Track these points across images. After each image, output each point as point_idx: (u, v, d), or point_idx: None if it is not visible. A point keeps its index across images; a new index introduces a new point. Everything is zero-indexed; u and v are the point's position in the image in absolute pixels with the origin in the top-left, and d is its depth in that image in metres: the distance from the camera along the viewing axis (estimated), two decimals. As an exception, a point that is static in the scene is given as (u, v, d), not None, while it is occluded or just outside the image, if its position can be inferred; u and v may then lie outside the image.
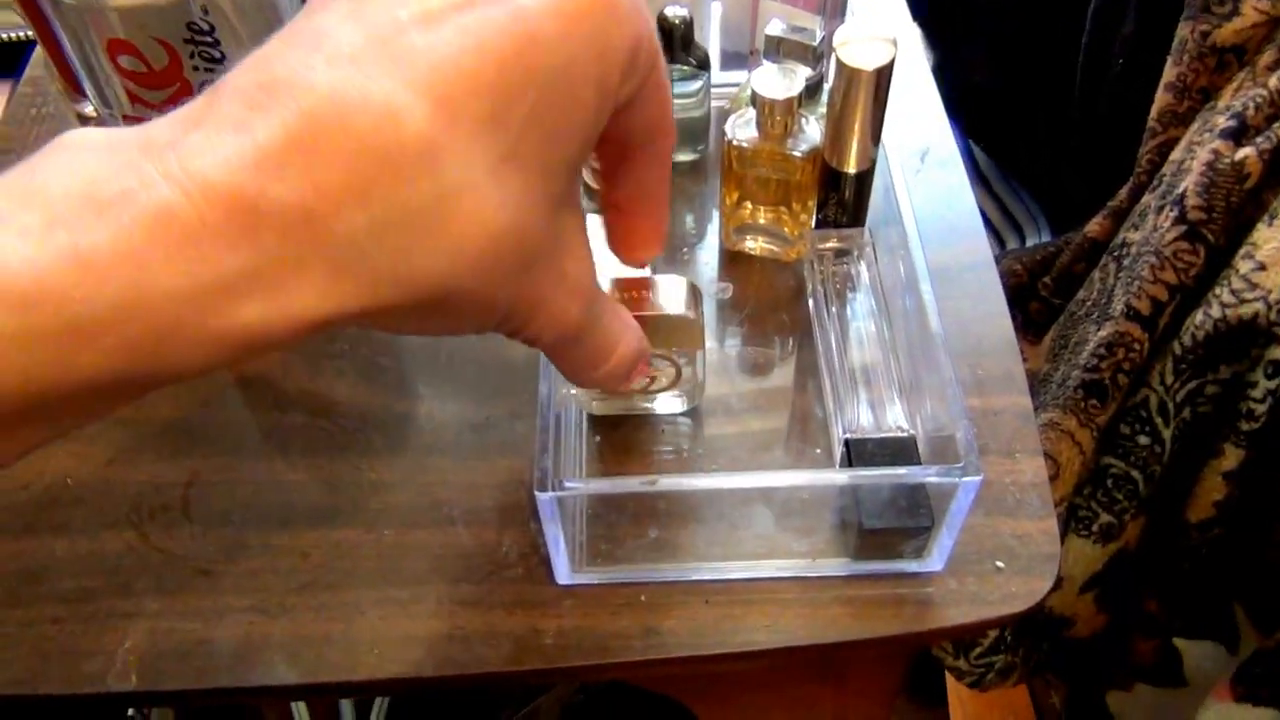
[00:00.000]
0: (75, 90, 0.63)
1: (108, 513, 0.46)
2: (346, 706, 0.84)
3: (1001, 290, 0.54)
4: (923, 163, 0.60)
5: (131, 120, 0.47)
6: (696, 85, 0.56)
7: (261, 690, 0.42)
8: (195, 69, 0.45)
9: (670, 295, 0.44)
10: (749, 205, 0.53)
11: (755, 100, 0.49)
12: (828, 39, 0.53)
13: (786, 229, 0.54)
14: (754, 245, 0.55)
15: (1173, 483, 0.55)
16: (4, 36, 1.00)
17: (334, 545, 0.45)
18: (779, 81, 0.48)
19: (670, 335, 0.45)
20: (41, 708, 0.60)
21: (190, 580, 0.44)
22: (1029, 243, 0.79)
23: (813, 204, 0.53)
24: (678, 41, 0.55)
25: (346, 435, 0.49)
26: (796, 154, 0.50)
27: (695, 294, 0.45)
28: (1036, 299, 0.67)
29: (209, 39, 0.45)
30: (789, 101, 0.48)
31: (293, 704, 0.76)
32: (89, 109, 0.63)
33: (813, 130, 0.50)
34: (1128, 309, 0.54)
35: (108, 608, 0.44)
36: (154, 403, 0.50)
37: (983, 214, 0.87)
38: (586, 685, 0.72)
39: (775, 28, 0.52)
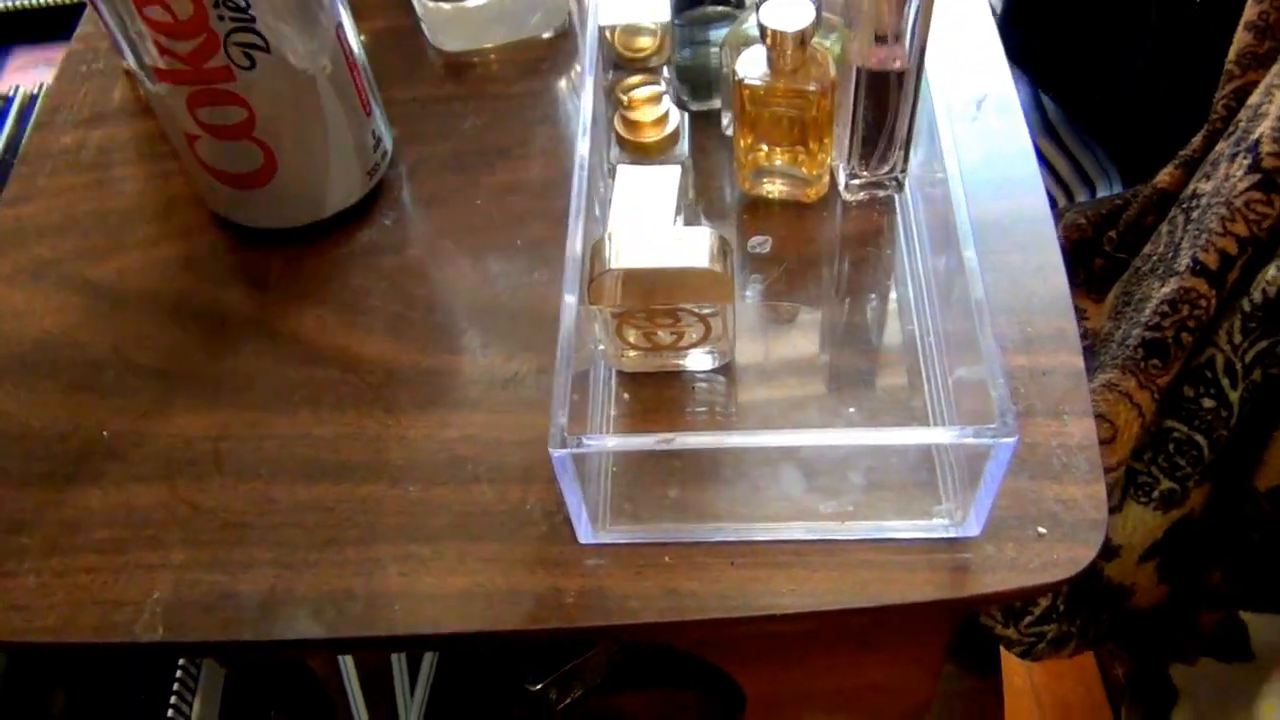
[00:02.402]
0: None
1: (140, 465, 0.47)
2: (397, 660, 0.85)
3: (1057, 243, 0.51)
4: (979, 110, 0.57)
5: (162, 74, 0.47)
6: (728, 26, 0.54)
7: (285, 644, 0.43)
8: (220, 19, 0.45)
9: (696, 248, 0.42)
10: (764, 147, 0.51)
11: (764, 34, 0.46)
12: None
13: (805, 169, 0.52)
14: (772, 189, 0.53)
15: (1240, 448, 0.52)
16: (65, -2, 1.02)
17: (359, 501, 0.45)
18: (788, 13, 0.46)
19: (697, 289, 0.43)
20: (93, 655, 0.62)
21: (218, 534, 0.45)
22: (1099, 192, 0.75)
23: (829, 141, 0.51)
24: (714, -15, 0.53)
25: (373, 390, 0.49)
26: (811, 88, 0.47)
27: (724, 247, 0.43)
28: (1101, 254, 0.64)
29: (232, -12, 0.44)
30: (800, 34, 0.46)
31: (340, 658, 0.77)
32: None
33: (826, 62, 0.47)
34: (1194, 263, 0.51)
35: (137, 559, 0.44)
36: (188, 354, 0.51)
37: (1051, 168, 0.84)
38: (630, 645, 0.71)
39: None
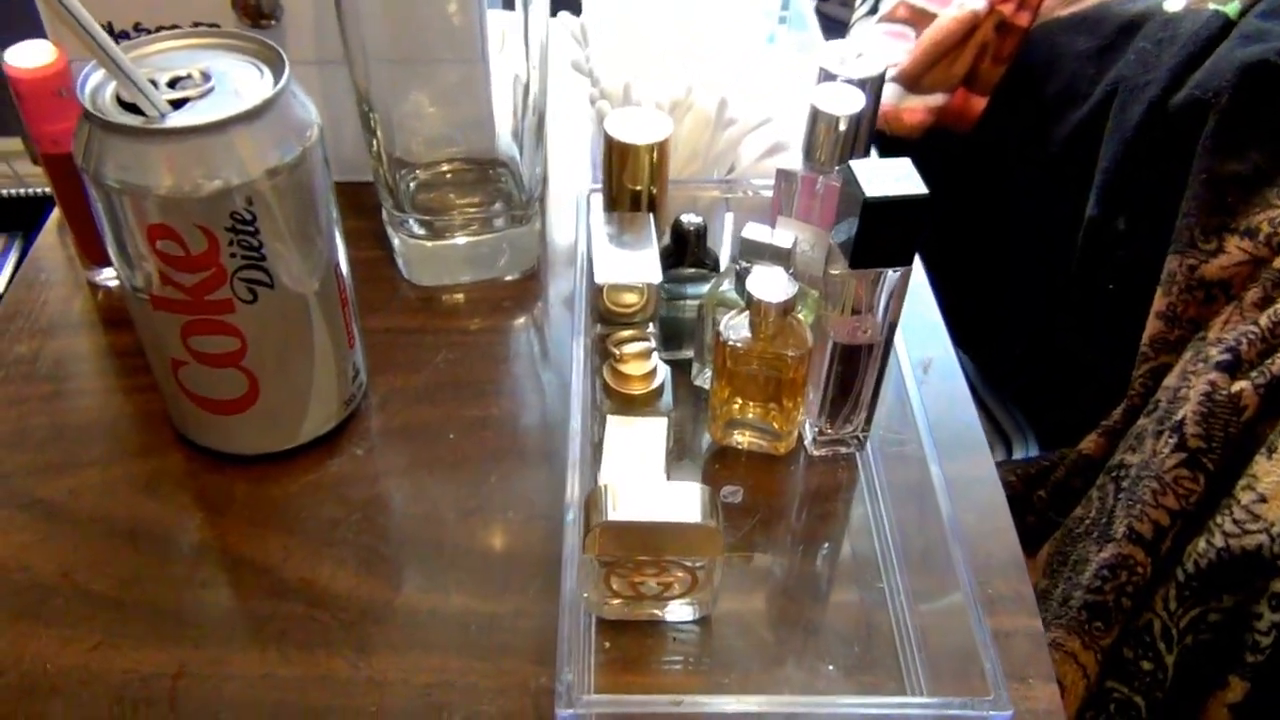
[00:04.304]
0: (93, 261, 0.63)
1: (89, 705, 0.44)
2: None
3: (1007, 507, 0.54)
4: (925, 374, 0.61)
5: (159, 300, 0.47)
6: (705, 287, 0.58)
7: None
8: (233, 255, 0.46)
9: (689, 503, 0.44)
10: (739, 401, 0.54)
11: (750, 302, 0.50)
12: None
13: (776, 424, 0.54)
14: (742, 440, 0.56)
15: (1177, 711, 0.54)
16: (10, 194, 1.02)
17: (327, 750, 0.43)
18: (772, 285, 0.49)
19: (689, 544, 0.44)
20: None
21: (171, 784, 0.42)
22: (1015, 455, 0.80)
23: (801, 400, 0.54)
24: (691, 246, 0.56)
25: (344, 629, 0.47)
26: (789, 353, 0.51)
27: (714, 501, 0.44)
28: (1032, 512, 0.68)
29: (250, 228, 0.45)
30: (783, 305, 0.49)
31: None
32: (104, 278, 0.64)
33: (803, 331, 0.51)
34: (1130, 531, 0.55)
35: (80, 812, 0.41)
36: (144, 582, 0.49)
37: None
38: None
39: (753, 232, 0.53)
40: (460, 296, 0.65)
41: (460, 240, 0.64)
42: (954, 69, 0.81)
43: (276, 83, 0.45)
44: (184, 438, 0.55)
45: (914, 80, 0.82)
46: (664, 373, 0.50)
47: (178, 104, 0.45)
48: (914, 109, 0.82)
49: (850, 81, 0.52)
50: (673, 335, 0.59)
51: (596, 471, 0.49)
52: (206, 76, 0.46)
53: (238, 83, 0.46)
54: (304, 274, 0.49)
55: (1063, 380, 0.76)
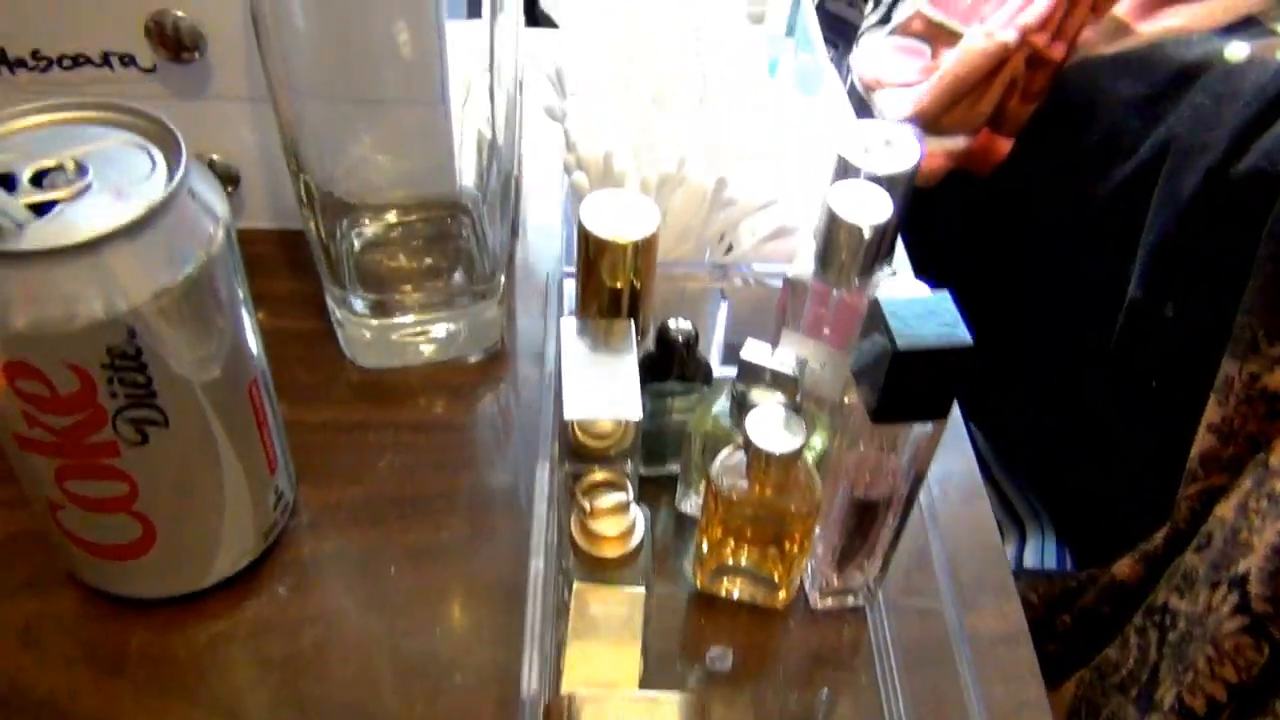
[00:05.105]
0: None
1: None
2: None
3: (1039, 671, 0.47)
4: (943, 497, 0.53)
5: (25, 441, 0.38)
6: (694, 398, 0.49)
7: None
8: (113, 395, 0.37)
9: (670, 721, 0.36)
10: (731, 543, 0.46)
11: (749, 448, 0.42)
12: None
13: (775, 574, 0.46)
14: (732, 588, 0.48)
15: None
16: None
17: None
18: (777, 429, 0.41)
19: (670, 770, 0.36)
20: None
21: None
22: (1029, 542, 0.73)
23: (808, 548, 0.46)
24: (679, 356, 0.48)
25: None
26: (793, 508, 0.43)
27: (703, 715, 0.36)
28: (1054, 639, 0.60)
29: (133, 363, 0.37)
30: (787, 458, 0.41)
31: None
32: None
33: (812, 484, 0.43)
34: (1180, 705, 0.47)
35: None
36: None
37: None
38: None
39: (753, 353, 0.44)
40: (412, 381, 0.56)
41: (412, 318, 0.56)
42: (979, 108, 0.72)
43: (171, 179, 0.36)
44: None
45: (933, 121, 0.73)
46: (642, 530, 0.42)
47: (42, 208, 0.35)
48: (932, 154, 0.73)
49: (874, 179, 0.43)
50: (654, 449, 0.51)
51: (560, 652, 0.41)
52: (82, 169, 0.37)
53: (121, 177, 0.37)
54: (208, 405, 0.40)
55: (1086, 482, 0.68)
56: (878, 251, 0.43)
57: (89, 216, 0.35)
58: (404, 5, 0.50)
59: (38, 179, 0.36)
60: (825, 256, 0.43)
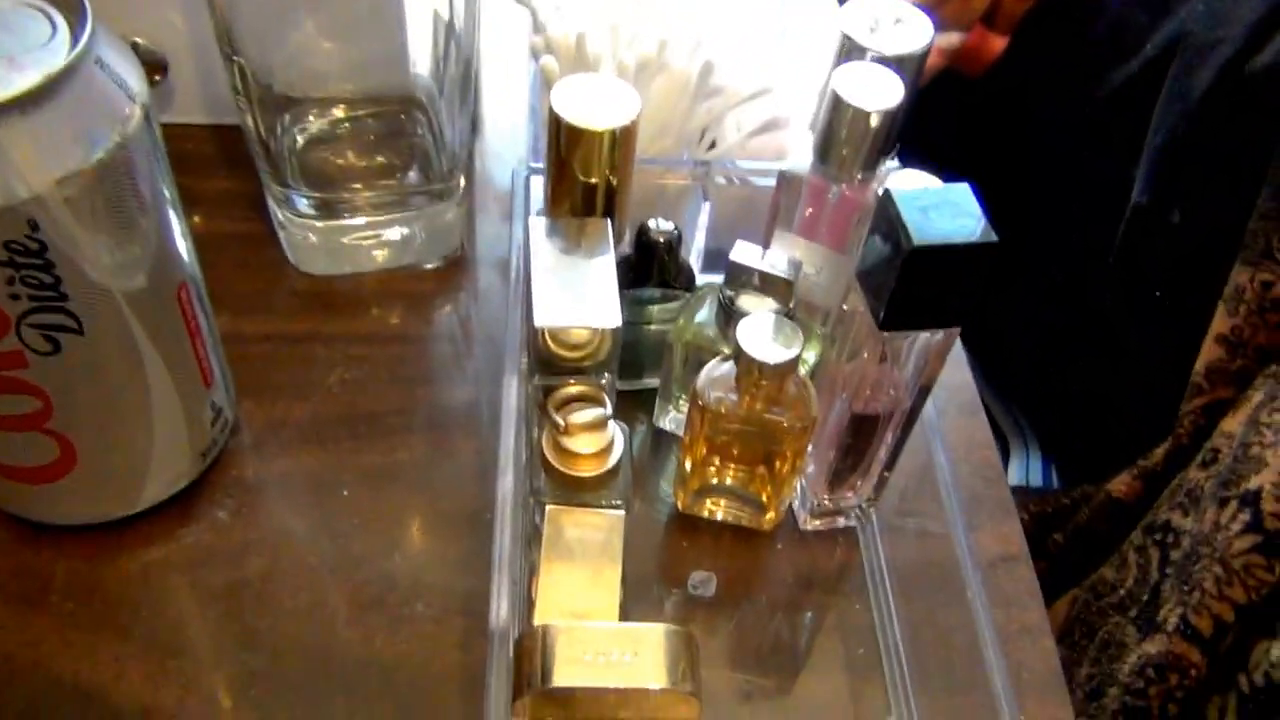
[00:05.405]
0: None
1: None
2: None
3: (1040, 593, 0.44)
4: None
5: (-83, 349, 0.33)
6: (676, 305, 0.45)
7: None
8: (14, 298, 0.32)
9: (652, 659, 0.32)
10: (716, 461, 0.42)
11: (739, 357, 0.38)
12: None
13: (763, 494, 0.43)
14: (715, 510, 0.44)
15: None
16: None
17: None
18: (770, 337, 0.37)
19: (653, 710, 0.33)
20: None
21: None
22: (1013, 459, 0.70)
23: (800, 467, 0.42)
24: (659, 260, 0.44)
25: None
26: (786, 424, 0.39)
27: (689, 650, 0.33)
28: (1045, 557, 0.58)
29: (37, 259, 0.32)
30: (781, 369, 0.37)
31: None
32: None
33: (807, 397, 0.39)
34: (1184, 625, 0.45)
35: None
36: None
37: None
38: None
39: (743, 254, 0.40)
40: (364, 289, 0.52)
41: (363, 220, 0.51)
42: (973, 2, 0.67)
43: (74, 45, 0.31)
44: (-11, 497, 0.42)
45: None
46: (621, 447, 0.38)
47: (-79, 78, 0.30)
48: (923, 50, 0.68)
49: (882, 60, 0.39)
50: (632, 361, 0.47)
51: (531, 580, 0.37)
52: (-31, 34, 0.31)
53: (14, 42, 0.31)
54: (130, 309, 0.35)
55: (1083, 394, 0.65)
56: (885, 141, 0.38)
57: (-23, 86, 0.30)
58: None
59: (-84, 45, 0.31)
60: (826, 146, 0.39)
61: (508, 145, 0.59)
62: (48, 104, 0.30)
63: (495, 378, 0.48)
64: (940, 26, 0.65)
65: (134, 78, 0.34)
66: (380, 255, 0.52)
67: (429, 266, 0.53)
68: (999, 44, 0.69)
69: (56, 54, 0.31)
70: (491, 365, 0.49)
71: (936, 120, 0.64)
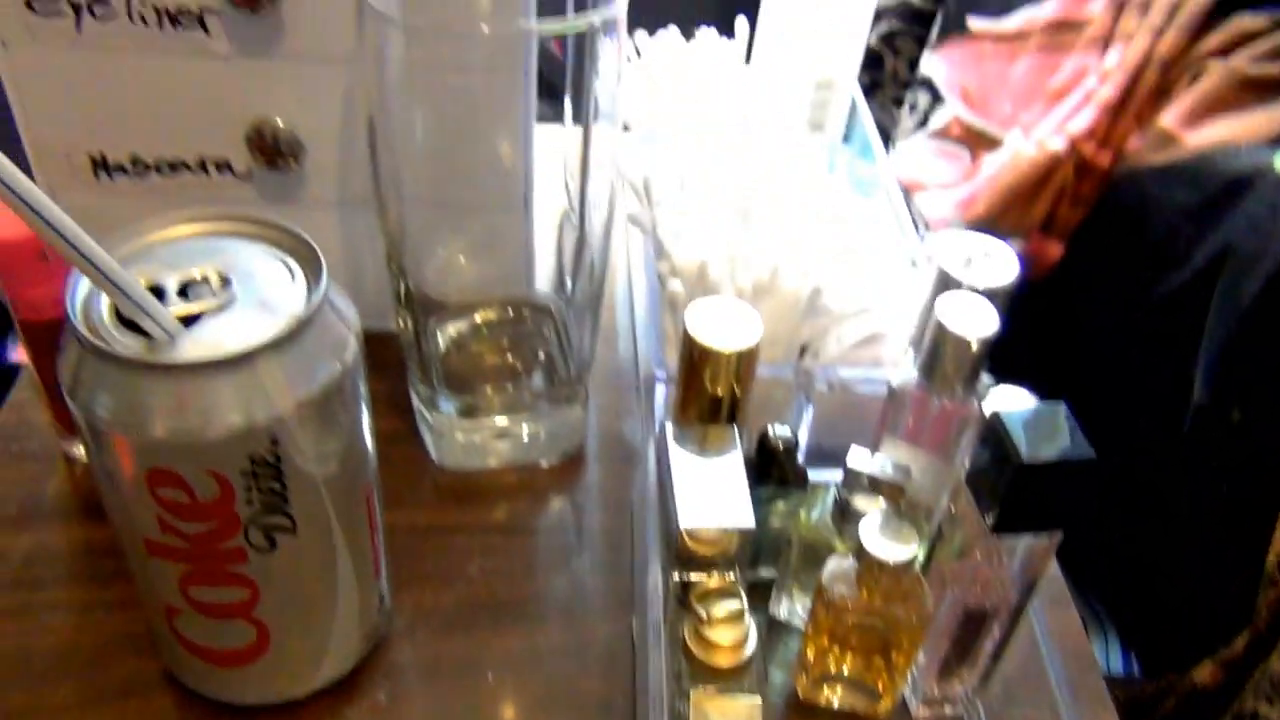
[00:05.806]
0: (70, 431, 0.55)
1: None
2: None
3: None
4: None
5: (155, 546, 0.38)
6: (793, 503, 0.50)
7: None
8: (249, 503, 0.37)
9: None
10: (835, 651, 0.46)
11: (860, 555, 0.42)
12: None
13: (878, 683, 0.46)
14: (833, 697, 0.48)
15: None
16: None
17: None
18: (891, 537, 0.42)
19: None
20: None
21: None
22: (1093, 648, 0.72)
23: (915, 654, 0.46)
24: (778, 462, 0.49)
25: None
26: (903, 616, 0.43)
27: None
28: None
29: (272, 470, 0.37)
30: (902, 566, 0.41)
31: None
32: (82, 452, 0.55)
33: (923, 593, 0.43)
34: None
35: None
36: None
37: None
38: None
39: (859, 460, 0.45)
40: (494, 483, 0.57)
41: (496, 420, 0.56)
42: (1032, 213, 0.74)
43: (313, 292, 0.37)
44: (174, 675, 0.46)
45: (987, 226, 0.75)
46: (754, 638, 0.42)
47: (189, 319, 0.36)
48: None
49: (977, 292, 0.44)
50: (752, 555, 0.51)
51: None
52: (226, 281, 0.38)
53: (264, 289, 0.38)
54: (332, 510, 0.40)
55: (1159, 583, 0.68)
56: (982, 363, 0.44)
57: (236, 329, 0.36)
58: (498, 116, 0.53)
59: (183, 291, 0.37)
60: (930, 366, 0.44)
61: (620, 347, 0.65)
62: (294, 342, 0.36)
63: (615, 567, 0.53)
64: (1001, 235, 0.72)
65: (351, 311, 0.40)
66: (507, 451, 0.57)
67: (548, 463, 0.58)
68: (1057, 250, 0.76)
69: (298, 299, 0.37)
70: (610, 555, 0.54)
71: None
